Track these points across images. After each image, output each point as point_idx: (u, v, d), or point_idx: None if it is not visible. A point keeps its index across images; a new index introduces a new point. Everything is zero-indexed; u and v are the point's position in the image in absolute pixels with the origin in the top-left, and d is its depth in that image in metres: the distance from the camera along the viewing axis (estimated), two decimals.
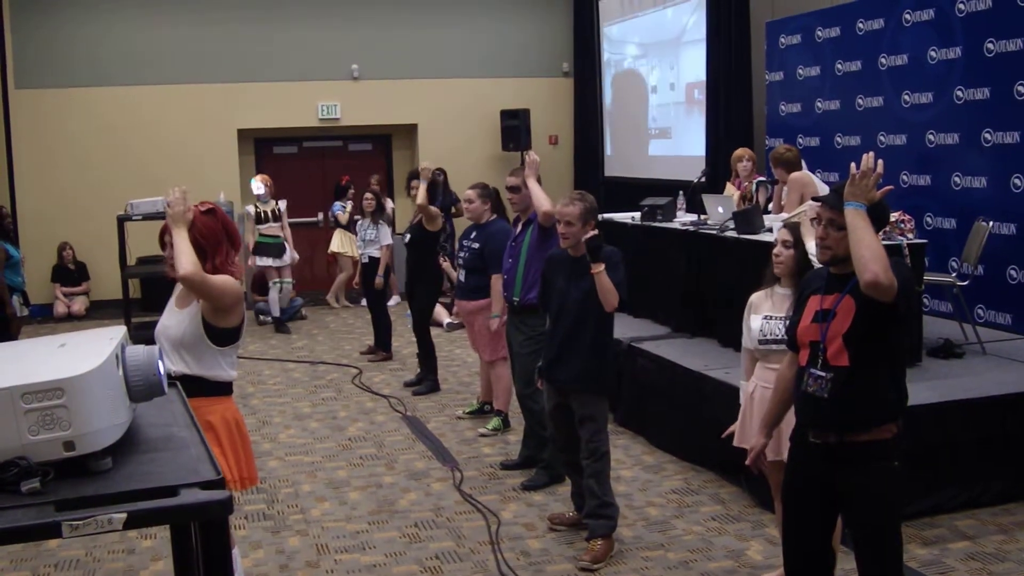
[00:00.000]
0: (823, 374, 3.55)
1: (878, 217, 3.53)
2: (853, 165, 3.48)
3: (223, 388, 4.09)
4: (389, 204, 12.05)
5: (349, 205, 12.69)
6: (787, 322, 4.19)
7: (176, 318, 4.04)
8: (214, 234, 4.07)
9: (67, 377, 2.08)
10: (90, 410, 2.10)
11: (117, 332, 2.42)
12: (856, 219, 3.39)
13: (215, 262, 4.03)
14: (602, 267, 5.12)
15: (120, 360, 2.29)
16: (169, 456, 2.26)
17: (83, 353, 2.21)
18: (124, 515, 1.93)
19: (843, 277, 3.55)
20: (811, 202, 7.00)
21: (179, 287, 4.15)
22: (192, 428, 2.46)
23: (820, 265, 3.81)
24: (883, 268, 3.29)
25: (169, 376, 3.86)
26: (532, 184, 6.39)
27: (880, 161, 3.45)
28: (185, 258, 3.86)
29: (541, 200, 6.29)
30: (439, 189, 9.27)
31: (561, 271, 5.42)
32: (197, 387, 3.82)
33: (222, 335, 4.01)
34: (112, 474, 2.14)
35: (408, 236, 8.87)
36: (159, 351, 2.36)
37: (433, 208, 8.80)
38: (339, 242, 13.05)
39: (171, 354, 4.00)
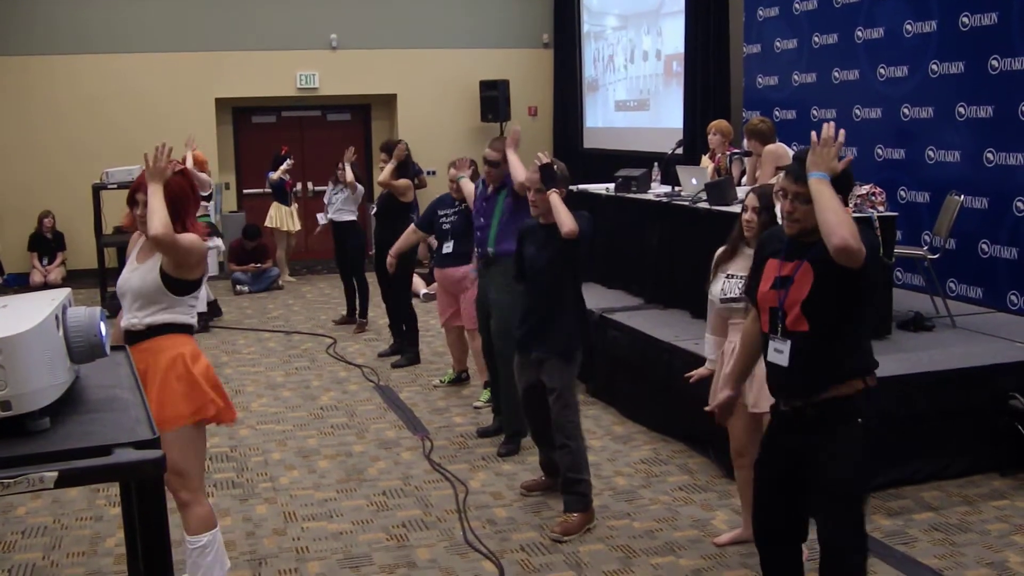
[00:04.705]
0: (782, 344, 3.55)
1: (842, 185, 3.50)
2: (814, 134, 3.46)
3: (182, 329, 4.13)
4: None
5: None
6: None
7: (138, 272, 4.08)
8: (185, 194, 4.12)
9: (2, 337, 2.06)
10: (27, 370, 2.08)
11: (59, 294, 2.39)
12: (820, 187, 3.37)
13: (186, 223, 4.07)
14: (555, 192, 5.19)
15: (60, 321, 2.27)
16: (109, 417, 2.24)
17: (21, 314, 2.18)
18: (55, 474, 1.92)
19: (806, 244, 3.51)
20: (781, 174, 7.05)
21: (140, 242, 4.20)
22: (135, 391, 2.44)
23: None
24: (851, 233, 3.26)
25: (137, 329, 3.98)
26: (512, 155, 6.38)
27: (842, 131, 3.44)
28: (158, 218, 3.89)
29: (518, 171, 6.24)
30: (411, 165, 9.28)
31: (533, 240, 5.43)
32: (156, 331, 4.02)
33: (182, 286, 4.07)
34: (49, 434, 2.12)
35: (375, 207, 8.85)
36: (100, 312, 2.34)
37: (402, 181, 8.82)
38: (273, 216, 12.91)
39: (131, 306, 4.06)
